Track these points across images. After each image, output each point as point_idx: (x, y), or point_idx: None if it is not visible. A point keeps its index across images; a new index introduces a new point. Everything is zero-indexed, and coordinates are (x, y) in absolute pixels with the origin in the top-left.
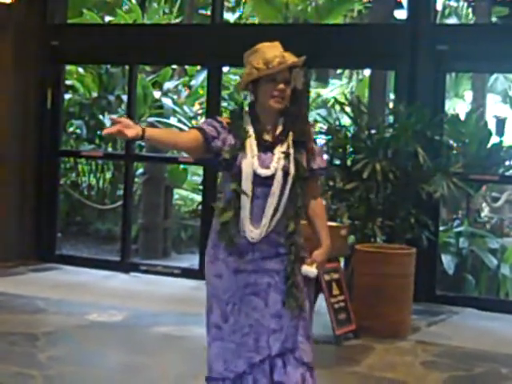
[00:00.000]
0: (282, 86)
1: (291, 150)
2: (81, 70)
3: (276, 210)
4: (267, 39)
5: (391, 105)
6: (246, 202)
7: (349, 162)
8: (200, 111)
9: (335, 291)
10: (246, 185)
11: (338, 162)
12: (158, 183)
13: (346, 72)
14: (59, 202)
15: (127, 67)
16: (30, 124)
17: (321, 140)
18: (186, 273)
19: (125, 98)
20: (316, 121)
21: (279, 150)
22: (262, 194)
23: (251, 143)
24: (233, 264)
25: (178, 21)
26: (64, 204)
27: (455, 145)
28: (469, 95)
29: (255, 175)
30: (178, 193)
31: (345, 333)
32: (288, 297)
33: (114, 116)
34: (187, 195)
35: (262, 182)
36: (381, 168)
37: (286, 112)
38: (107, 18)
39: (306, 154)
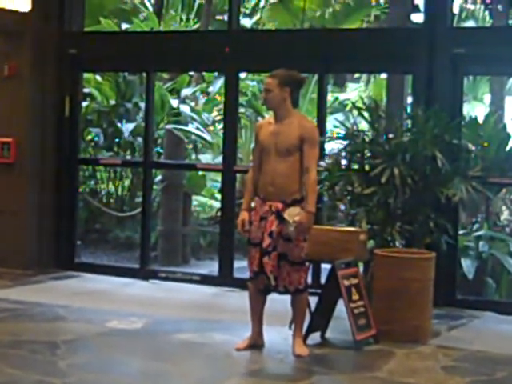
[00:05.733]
0: None
1: None
2: (98, 77)
3: None
4: (284, 45)
5: (409, 109)
6: None
7: (367, 167)
8: (218, 117)
9: (355, 296)
10: None
11: (355, 166)
12: (177, 190)
13: (364, 76)
14: (78, 210)
15: (144, 74)
16: (48, 132)
17: (339, 144)
18: (206, 279)
19: (142, 105)
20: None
21: None
22: None
23: None
24: None
25: (195, 27)
26: (83, 212)
27: (473, 148)
28: (487, 98)
29: None
30: (196, 199)
31: (365, 338)
32: None
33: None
34: (206, 202)
35: None
36: (399, 172)
37: None
38: (124, 26)
39: None
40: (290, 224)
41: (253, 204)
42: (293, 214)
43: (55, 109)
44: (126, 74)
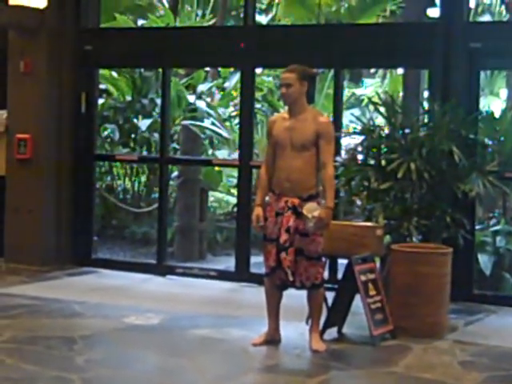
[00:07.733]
0: None
1: None
2: (114, 73)
3: None
4: (300, 40)
5: (425, 104)
6: None
7: (383, 162)
8: (234, 113)
9: (371, 291)
10: None
11: (372, 161)
12: (193, 186)
13: (380, 71)
14: (95, 206)
15: (160, 70)
16: (64, 128)
17: (355, 140)
18: (223, 275)
19: (159, 101)
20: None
21: None
22: None
23: None
24: None
25: (210, 23)
26: (100, 208)
27: (490, 143)
28: (504, 93)
29: None
30: (213, 195)
31: (382, 333)
32: None
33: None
34: (222, 197)
35: None
36: (415, 167)
37: None
38: (140, 22)
39: None
40: (310, 219)
41: (266, 199)
42: (311, 210)
43: (71, 105)
44: (142, 69)
